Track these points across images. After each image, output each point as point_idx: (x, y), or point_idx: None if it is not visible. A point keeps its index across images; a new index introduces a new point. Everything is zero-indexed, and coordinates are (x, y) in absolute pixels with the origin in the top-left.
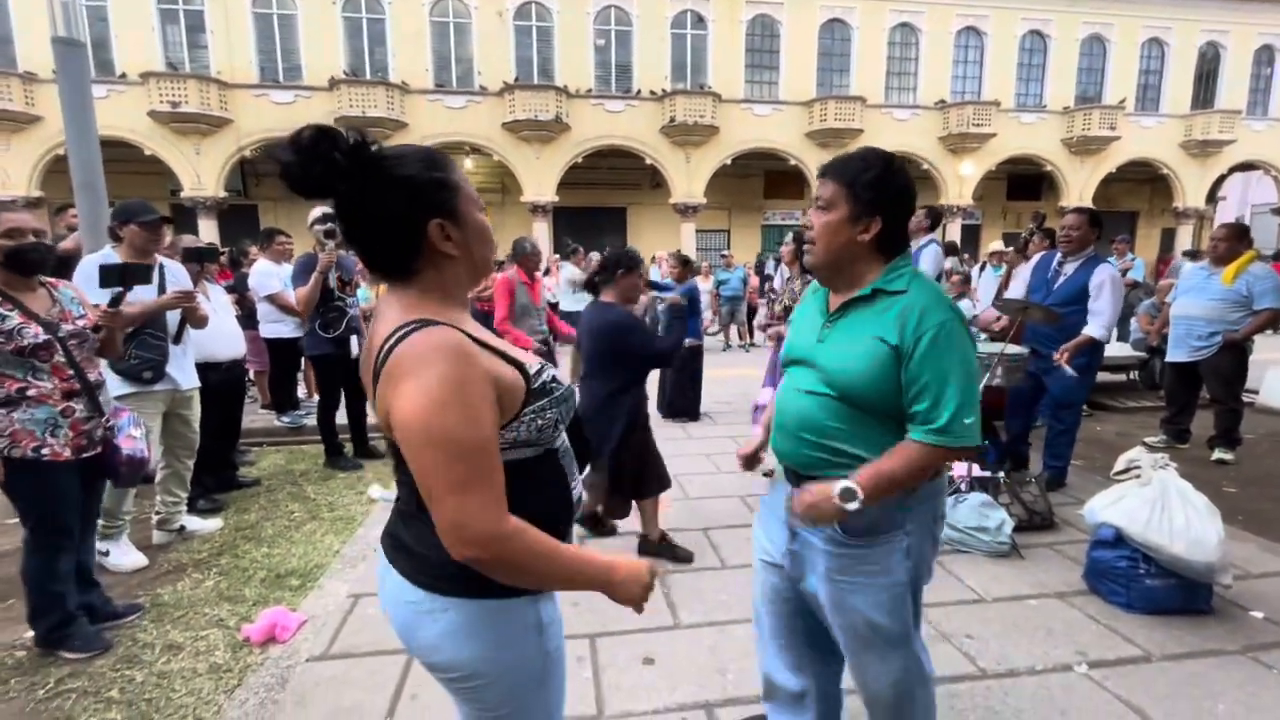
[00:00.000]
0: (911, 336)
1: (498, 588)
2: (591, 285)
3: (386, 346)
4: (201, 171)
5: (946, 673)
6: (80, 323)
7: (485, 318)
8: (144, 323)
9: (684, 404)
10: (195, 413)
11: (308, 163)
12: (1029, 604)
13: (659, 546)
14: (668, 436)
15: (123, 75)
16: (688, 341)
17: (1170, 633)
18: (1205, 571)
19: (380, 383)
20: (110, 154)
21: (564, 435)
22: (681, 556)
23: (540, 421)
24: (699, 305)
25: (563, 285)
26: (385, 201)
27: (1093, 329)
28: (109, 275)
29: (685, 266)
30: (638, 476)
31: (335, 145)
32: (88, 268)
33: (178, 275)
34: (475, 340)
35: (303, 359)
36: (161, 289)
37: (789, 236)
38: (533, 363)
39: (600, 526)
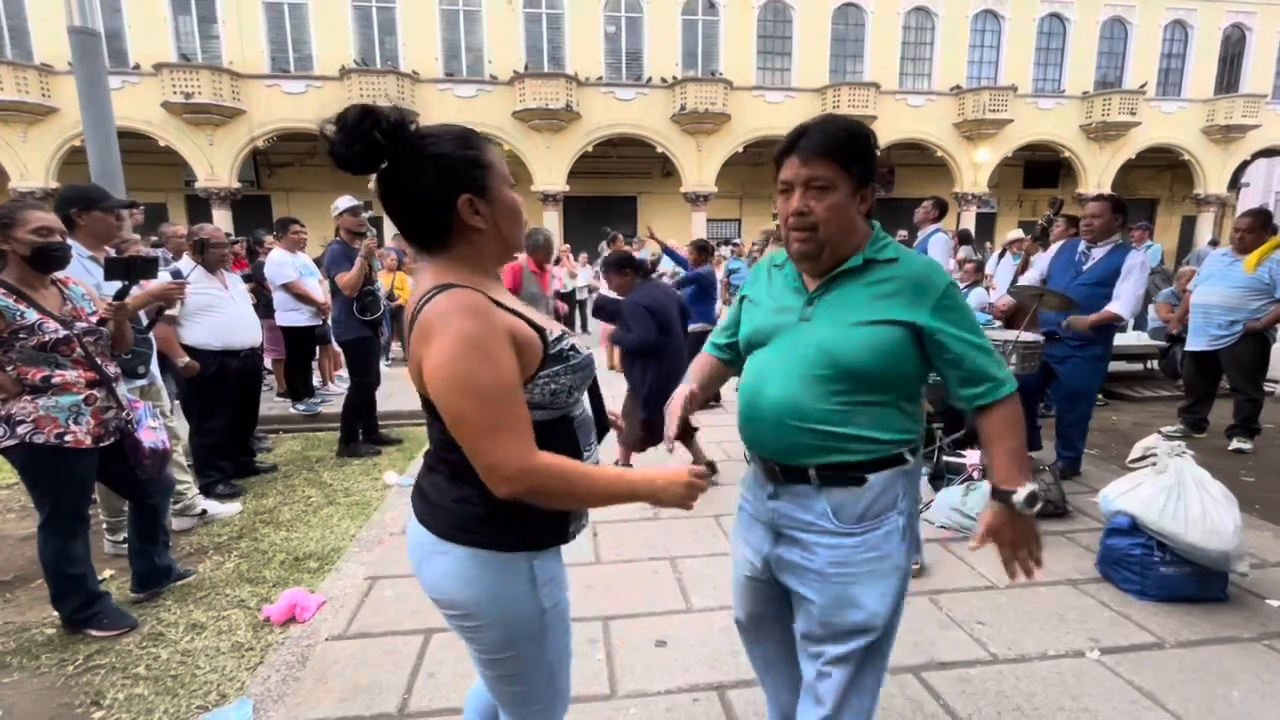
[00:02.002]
0: (932, 308)
1: (491, 540)
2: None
3: (416, 309)
4: (215, 162)
5: (958, 658)
6: (92, 319)
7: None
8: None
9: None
10: (166, 403)
11: (351, 141)
12: (1041, 591)
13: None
14: None
15: (136, 66)
16: (700, 326)
17: (1184, 620)
18: (1221, 559)
19: (412, 343)
20: (125, 145)
21: (583, 405)
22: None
23: (554, 386)
24: (714, 290)
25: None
26: (419, 178)
27: (1116, 306)
28: (114, 268)
29: (702, 253)
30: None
31: (376, 125)
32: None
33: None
34: (497, 303)
35: (318, 347)
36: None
37: (757, 236)
38: (553, 329)
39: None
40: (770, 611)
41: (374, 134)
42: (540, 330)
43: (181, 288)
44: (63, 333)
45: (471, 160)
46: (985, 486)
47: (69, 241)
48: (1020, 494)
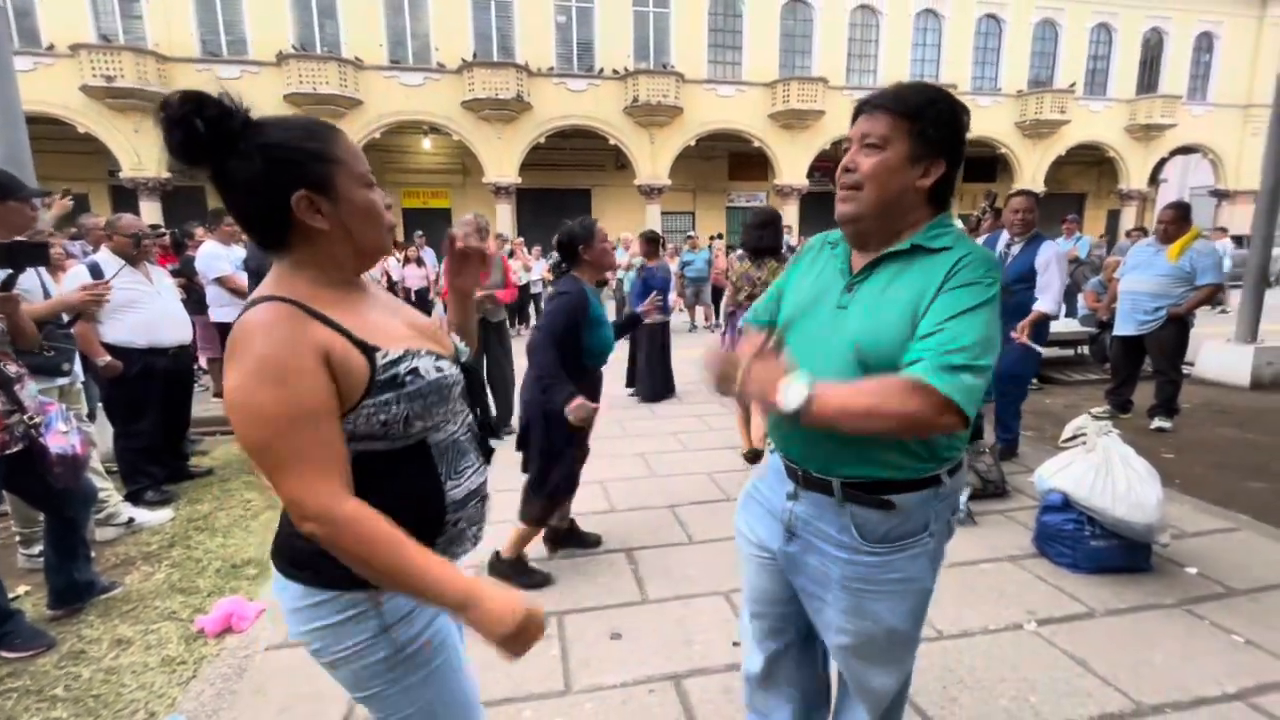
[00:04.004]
0: (941, 279)
1: (326, 578)
2: (561, 271)
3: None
4: (141, 151)
5: None
6: None
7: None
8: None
9: (653, 384)
10: (83, 406)
11: (170, 128)
12: (983, 568)
13: (564, 535)
14: (634, 416)
15: (50, 47)
16: (656, 318)
17: (1113, 590)
18: (1145, 532)
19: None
20: (39, 132)
21: (452, 427)
22: (590, 542)
23: (384, 416)
24: (669, 284)
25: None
26: (247, 169)
27: (1043, 304)
28: None
29: (654, 245)
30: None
31: (199, 112)
32: None
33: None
34: (325, 319)
35: None
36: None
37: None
38: (392, 349)
39: (577, 540)
40: (788, 596)
41: (194, 120)
42: (369, 351)
43: (104, 292)
44: None
45: (311, 152)
46: None
47: None
48: (803, 387)
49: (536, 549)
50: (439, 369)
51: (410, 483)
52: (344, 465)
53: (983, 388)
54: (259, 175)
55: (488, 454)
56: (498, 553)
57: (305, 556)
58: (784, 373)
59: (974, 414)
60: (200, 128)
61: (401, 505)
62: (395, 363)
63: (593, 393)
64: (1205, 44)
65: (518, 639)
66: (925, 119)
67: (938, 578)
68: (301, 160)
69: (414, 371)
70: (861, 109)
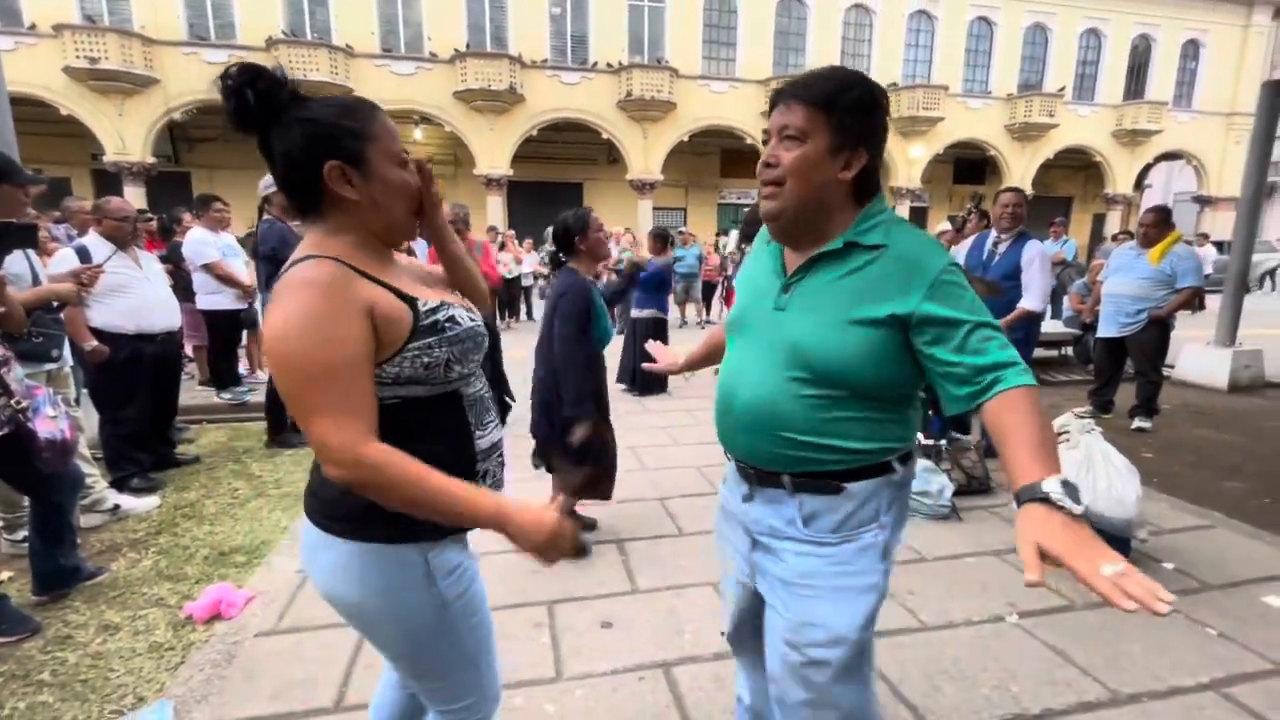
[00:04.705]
0: (915, 298)
1: (378, 532)
2: (558, 262)
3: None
4: (125, 134)
5: (890, 627)
6: None
7: (500, 301)
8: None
9: (646, 376)
10: (72, 390)
11: (227, 98)
12: (967, 562)
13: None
14: (624, 410)
15: (32, 26)
16: (651, 313)
17: None
18: (1124, 527)
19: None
20: (20, 113)
21: (477, 382)
22: (586, 524)
23: (427, 359)
24: (670, 279)
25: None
26: (287, 138)
27: (1027, 302)
28: None
29: (662, 242)
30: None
31: (252, 83)
32: None
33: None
34: (367, 275)
35: (244, 332)
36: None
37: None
38: (430, 299)
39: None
40: (752, 625)
41: (246, 92)
42: (411, 300)
43: (95, 278)
44: None
45: (348, 129)
46: (917, 464)
47: None
48: (1050, 482)
49: None
50: (471, 319)
51: (446, 428)
52: (372, 414)
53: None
54: (296, 144)
55: (504, 411)
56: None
57: (358, 513)
58: (1082, 529)
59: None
60: (250, 98)
61: (439, 449)
62: (435, 310)
63: (600, 380)
64: (1191, 51)
65: (550, 548)
66: (841, 108)
67: (888, 586)
68: (336, 134)
69: (451, 319)
70: (777, 99)
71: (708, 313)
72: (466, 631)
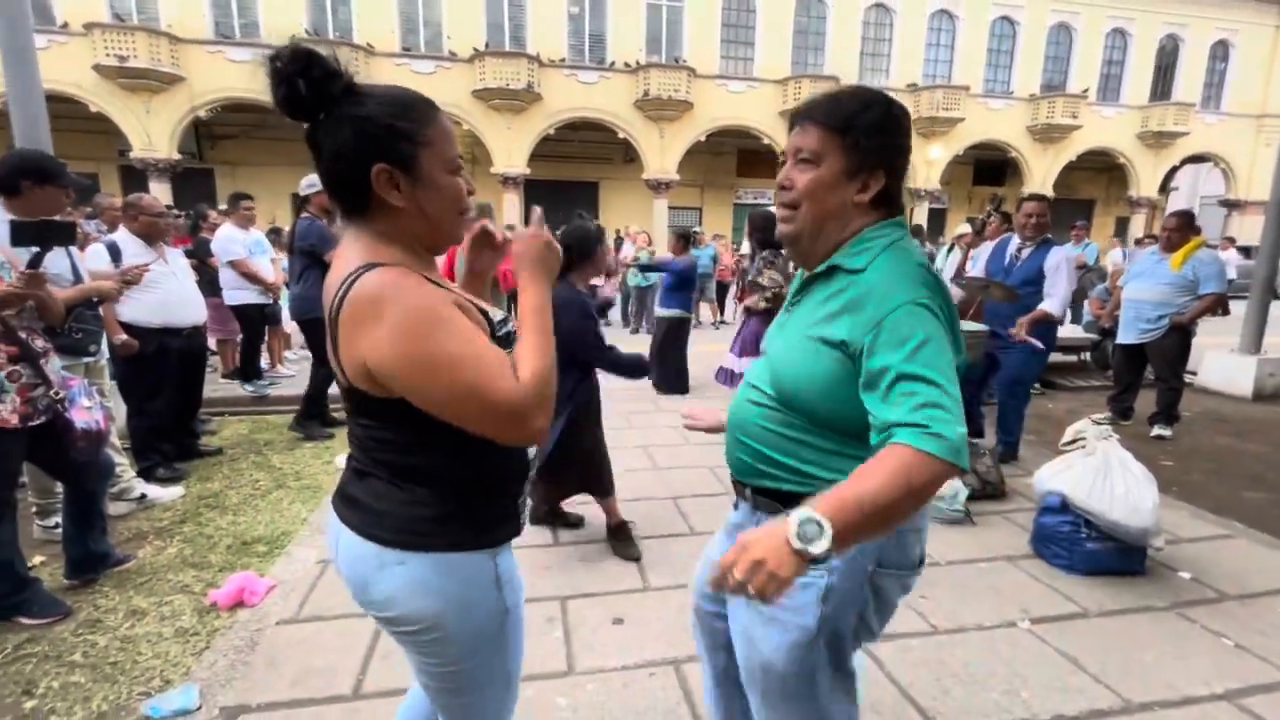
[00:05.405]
0: (865, 329)
1: (453, 541)
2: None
3: (340, 293)
4: (152, 131)
5: (900, 630)
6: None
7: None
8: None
9: (664, 374)
10: (106, 381)
11: (276, 84)
12: (979, 566)
13: (616, 533)
14: (637, 410)
15: (64, 25)
16: (676, 313)
17: (1107, 591)
18: (1140, 536)
19: (341, 331)
20: (52, 110)
21: None
22: (633, 555)
23: None
24: (694, 279)
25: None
26: (335, 135)
27: (1048, 305)
28: (24, 233)
29: (685, 241)
30: (585, 474)
31: (305, 72)
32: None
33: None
34: (436, 284)
35: (267, 327)
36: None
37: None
38: (496, 313)
39: (559, 519)
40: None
41: (297, 81)
42: (485, 313)
43: (140, 274)
44: None
45: (401, 131)
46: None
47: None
48: (806, 513)
49: (542, 535)
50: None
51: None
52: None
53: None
54: (346, 143)
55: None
56: (608, 525)
57: (431, 524)
58: (783, 535)
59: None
60: (302, 88)
61: (502, 459)
62: (504, 322)
63: (594, 382)
64: (1221, 52)
65: (546, 247)
66: (857, 130)
67: (830, 632)
68: (387, 137)
69: (510, 334)
70: (794, 121)
71: (721, 313)
72: (515, 646)
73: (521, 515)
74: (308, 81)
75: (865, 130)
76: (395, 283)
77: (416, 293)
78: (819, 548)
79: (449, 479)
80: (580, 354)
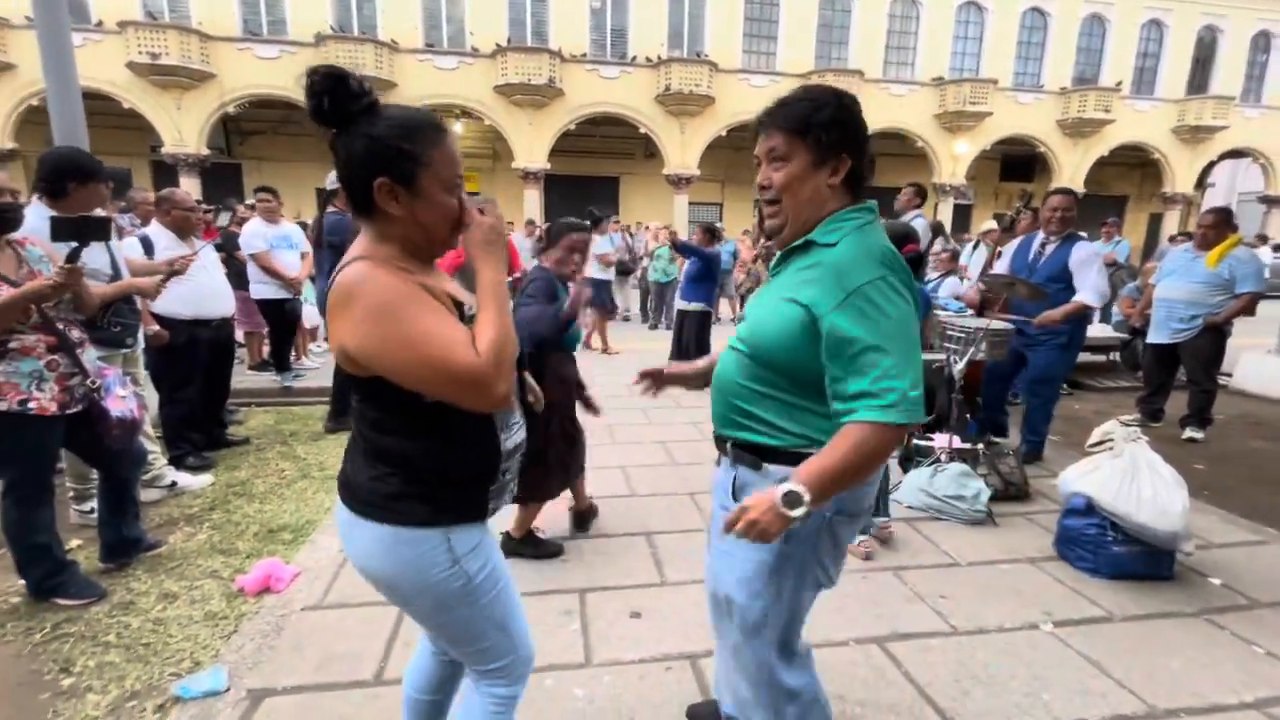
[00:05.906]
0: (828, 303)
1: (404, 517)
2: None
3: (330, 283)
4: (183, 127)
5: (920, 630)
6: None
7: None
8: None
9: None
10: (140, 370)
11: (309, 97)
12: (1001, 568)
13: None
14: (657, 404)
15: (99, 23)
16: (699, 306)
17: (1132, 596)
18: (1169, 539)
19: (329, 316)
20: (87, 106)
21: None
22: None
23: None
24: (718, 272)
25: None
26: (350, 146)
27: (1085, 295)
28: (62, 228)
29: (711, 235)
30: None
31: (331, 90)
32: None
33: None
34: (409, 275)
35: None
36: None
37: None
38: (470, 302)
39: (583, 518)
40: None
41: (322, 99)
42: (458, 304)
43: (187, 265)
44: None
45: (404, 152)
46: (953, 468)
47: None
48: (790, 487)
49: (561, 527)
50: None
51: (472, 432)
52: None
53: (920, 374)
54: (357, 155)
55: (529, 414)
56: (507, 533)
57: (387, 499)
58: (772, 499)
59: (923, 408)
60: (325, 104)
61: (466, 452)
62: (472, 307)
63: (571, 370)
64: (1262, 44)
65: (491, 232)
66: (816, 127)
67: (791, 570)
68: (392, 155)
69: (475, 314)
70: (758, 128)
71: (741, 308)
72: (491, 600)
73: (492, 502)
74: (333, 99)
75: (823, 126)
76: (366, 274)
77: (383, 281)
78: (799, 510)
79: (409, 461)
80: (534, 328)
